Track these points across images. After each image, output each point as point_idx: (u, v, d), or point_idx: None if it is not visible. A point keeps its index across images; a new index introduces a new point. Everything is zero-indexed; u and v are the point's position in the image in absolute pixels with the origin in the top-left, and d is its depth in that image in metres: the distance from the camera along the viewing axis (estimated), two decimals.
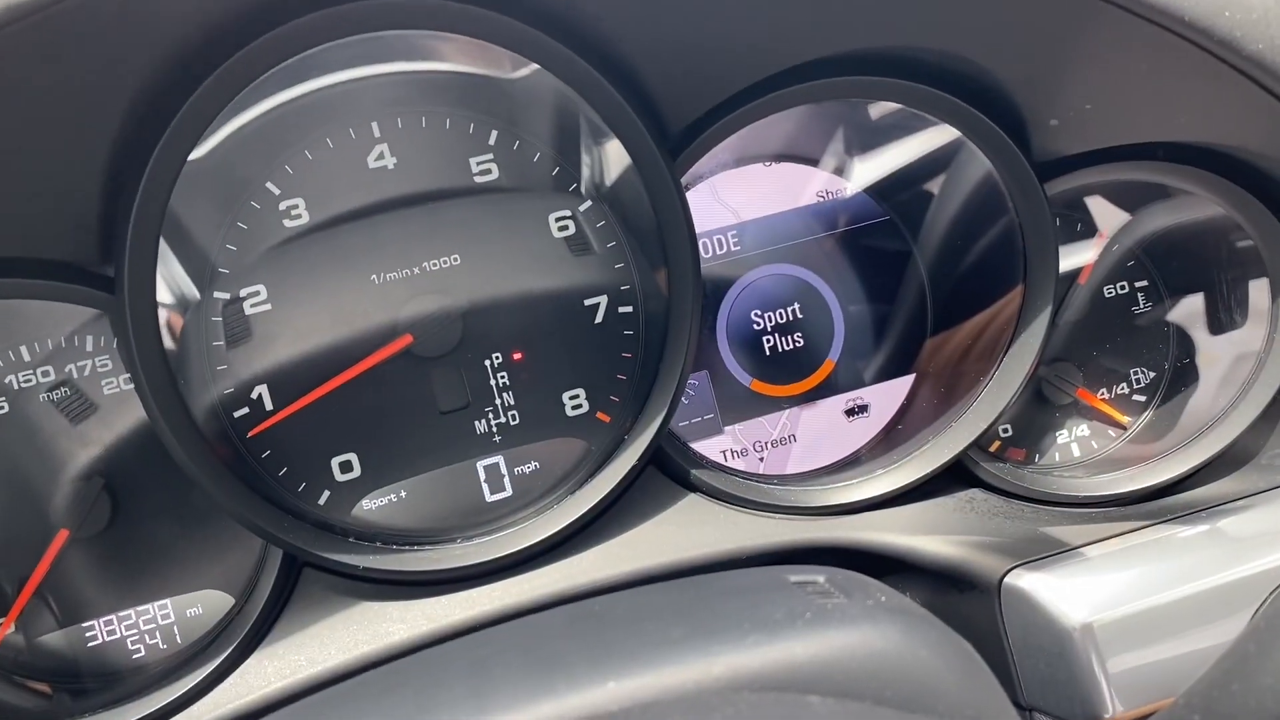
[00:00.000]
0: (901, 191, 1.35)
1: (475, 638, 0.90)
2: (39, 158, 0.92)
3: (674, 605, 0.86)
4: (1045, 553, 1.14)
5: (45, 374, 1.13)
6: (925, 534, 1.19)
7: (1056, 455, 1.38)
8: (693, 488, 1.21)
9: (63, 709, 1.13)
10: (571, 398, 1.22)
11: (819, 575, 0.86)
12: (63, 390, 1.13)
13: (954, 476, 1.27)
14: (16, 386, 1.12)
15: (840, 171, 1.34)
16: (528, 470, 1.22)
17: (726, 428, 1.32)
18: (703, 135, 1.13)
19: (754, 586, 0.88)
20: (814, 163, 1.34)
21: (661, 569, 1.13)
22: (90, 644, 1.17)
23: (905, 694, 0.69)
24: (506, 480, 1.21)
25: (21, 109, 0.86)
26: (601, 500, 1.16)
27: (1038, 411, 1.38)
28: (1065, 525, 1.22)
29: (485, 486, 1.21)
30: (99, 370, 1.14)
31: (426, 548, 1.16)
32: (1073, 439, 1.39)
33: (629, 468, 1.16)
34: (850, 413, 1.34)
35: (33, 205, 0.96)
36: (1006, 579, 1.11)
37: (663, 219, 1.15)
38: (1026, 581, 1.09)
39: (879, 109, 1.27)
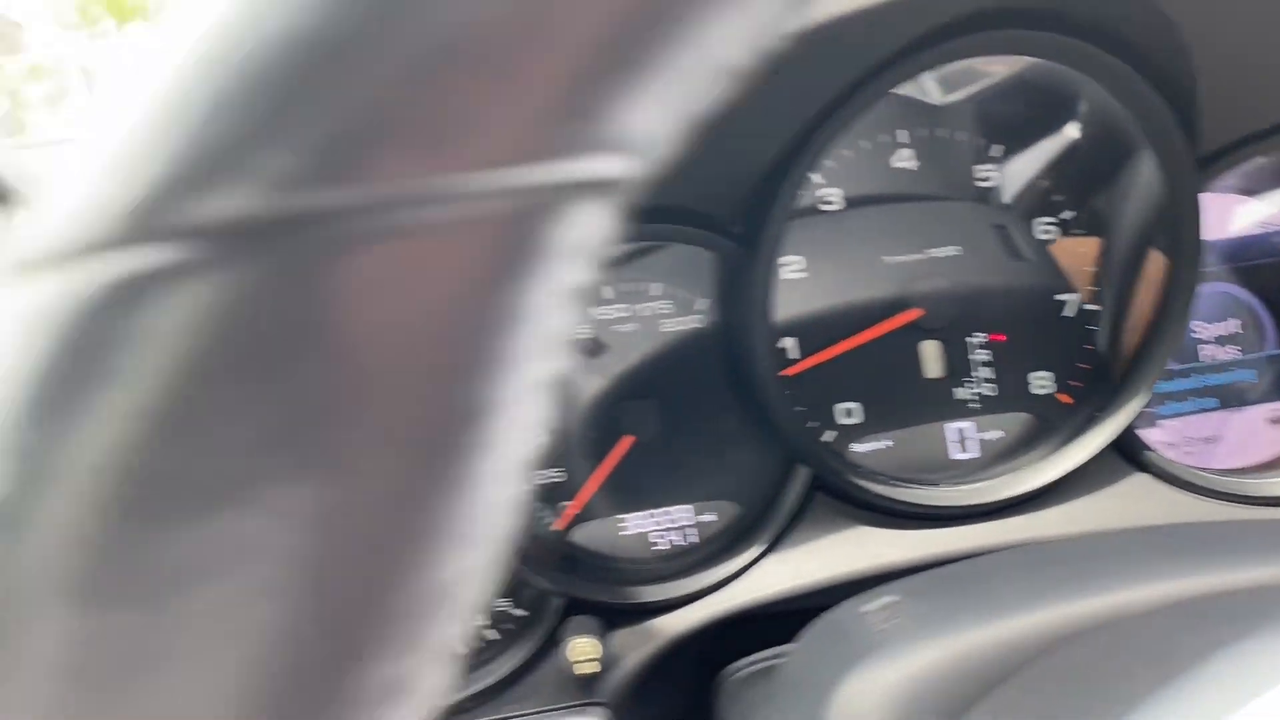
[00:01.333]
0: None
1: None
2: (747, 131, 1.17)
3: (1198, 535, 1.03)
4: None
5: (621, 311, 1.40)
6: None
7: None
8: (1142, 468, 1.39)
9: (588, 585, 1.38)
10: (1039, 379, 1.42)
11: None
12: (632, 325, 1.40)
13: None
14: (608, 318, 1.39)
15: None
16: (992, 437, 1.42)
17: (1159, 422, 1.49)
18: (1226, 159, 1.30)
19: (1251, 529, 1.05)
20: (1257, 193, 1.49)
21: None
22: (621, 533, 1.43)
23: None
24: (973, 443, 1.42)
25: (758, 93, 1.10)
26: (1073, 470, 1.35)
27: None
28: None
29: (955, 445, 1.42)
30: (659, 313, 1.40)
31: (915, 487, 1.38)
32: None
33: (1101, 443, 1.35)
34: (1275, 421, 1.48)
35: (713, 168, 1.22)
36: None
37: (1179, 236, 1.32)
38: None
39: None
